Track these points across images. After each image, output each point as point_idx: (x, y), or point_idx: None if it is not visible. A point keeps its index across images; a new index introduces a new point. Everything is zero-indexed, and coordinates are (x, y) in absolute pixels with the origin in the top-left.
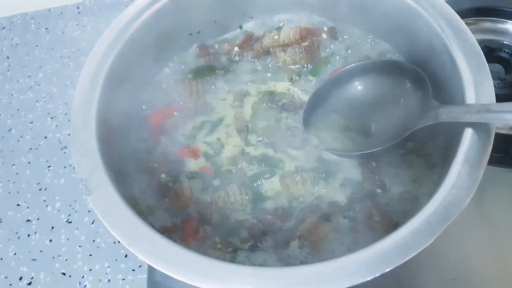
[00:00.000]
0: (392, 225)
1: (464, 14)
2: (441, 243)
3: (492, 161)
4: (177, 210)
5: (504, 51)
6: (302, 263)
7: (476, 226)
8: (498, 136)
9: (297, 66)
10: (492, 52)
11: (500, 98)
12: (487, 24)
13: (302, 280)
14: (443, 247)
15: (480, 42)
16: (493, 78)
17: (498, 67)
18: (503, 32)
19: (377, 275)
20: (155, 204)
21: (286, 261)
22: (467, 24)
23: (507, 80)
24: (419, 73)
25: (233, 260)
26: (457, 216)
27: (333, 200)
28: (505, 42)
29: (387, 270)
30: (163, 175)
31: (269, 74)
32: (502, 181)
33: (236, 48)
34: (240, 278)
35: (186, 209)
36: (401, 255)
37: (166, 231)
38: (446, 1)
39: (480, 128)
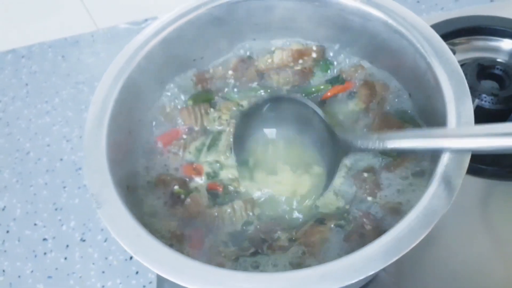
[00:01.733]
0: (381, 234)
1: (456, 34)
2: (443, 254)
3: (488, 175)
4: (186, 221)
5: (497, 68)
6: (299, 265)
7: (477, 237)
8: None
9: (290, 86)
10: (485, 69)
11: (494, 113)
12: (479, 42)
13: (292, 284)
14: (445, 258)
15: (473, 60)
16: (487, 94)
17: (492, 83)
18: (495, 50)
19: (361, 277)
20: (166, 214)
21: (285, 265)
22: (460, 43)
23: (501, 96)
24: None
25: (235, 266)
26: (437, 222)
27: (328, 209)
28: (498, 60)
29: (370, 273)
30: (176, 187)
31: (263, 93)
32: (499, 194)
33: (230, 71)
34: (237, 283)
35: (194, 220)
36: (384, 260)
37: (176, 239)
38: (438, 22)
39: None
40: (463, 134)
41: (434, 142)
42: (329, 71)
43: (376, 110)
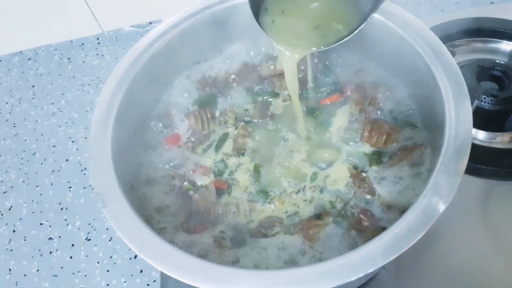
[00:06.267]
0: (379, 230)
1: (456, 36)
2: (443, 253)
3: (488, 175)
4: (192, 215)
5: (497, 69)
6: (298, 259)
7: (476, 236)
8: (492, 151)
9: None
10: (485, 70)
11: (494, 114)
12: (479, 44)
13: (292, 281)
14: (445, 257)
15: (473, 61)
16: (487, 95)
17: (492, 84)
18: (495, 51)
19: (360, 275)
20: (174, 209)
21: (284, 257)
22: (460, 45)
23: (501, 97)
24: None
25: (236, 256)
26: (436, 220)
27: (326, 206)
28: (497, 61)
29: (370, 271)
30: (185, 183)
31: (267, 97)
32: (498, 193)
33: (233, 76)
34: (238, 279)
35: (200, 215)
36: (383, 258)
37: (182, 230)
38: (438, 24)
39: (458, 139)
40: None
41: None
42: (332, 76)
43: (367, 116)
